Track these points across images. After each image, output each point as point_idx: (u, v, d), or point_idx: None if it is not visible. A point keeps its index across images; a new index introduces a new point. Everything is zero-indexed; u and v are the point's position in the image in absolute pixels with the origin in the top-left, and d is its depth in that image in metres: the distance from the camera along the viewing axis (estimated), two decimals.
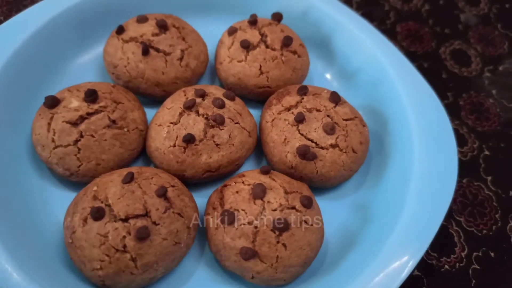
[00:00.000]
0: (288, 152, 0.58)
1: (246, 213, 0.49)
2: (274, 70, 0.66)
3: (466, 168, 0.66)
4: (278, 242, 0.49)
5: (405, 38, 0.79)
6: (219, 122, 0.57)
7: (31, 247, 0.53)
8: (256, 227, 0.49)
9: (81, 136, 0.50)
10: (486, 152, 0.74)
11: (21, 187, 0.60)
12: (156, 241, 0.45)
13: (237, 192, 0.52)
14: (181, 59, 0.62)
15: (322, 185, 0.58)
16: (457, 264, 0.63)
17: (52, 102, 0.51)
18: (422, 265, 0.52)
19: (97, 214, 0.46)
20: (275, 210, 0.50)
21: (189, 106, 0.57)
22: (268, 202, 0.51)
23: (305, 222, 0.52)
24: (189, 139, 0.55)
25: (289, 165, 0.59)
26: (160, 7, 0.73)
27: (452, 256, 0.63)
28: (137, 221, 0.46)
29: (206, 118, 0.57)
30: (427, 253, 0.54)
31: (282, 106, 0.62)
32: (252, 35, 0.66)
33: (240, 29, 0.65)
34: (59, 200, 0.58)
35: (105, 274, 0.44)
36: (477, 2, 0.90)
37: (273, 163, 0.60)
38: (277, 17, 0.67)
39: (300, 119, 0.59)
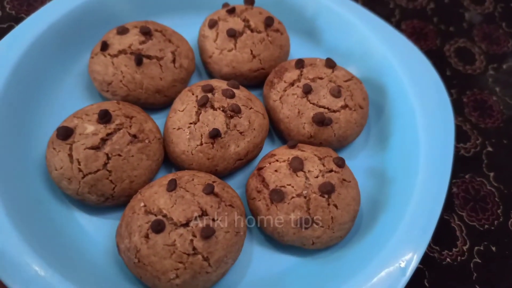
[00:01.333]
0: (304, 123, 0.60)
1: (292, 186, 0.51)
2: (264, 52, 0.66)
3: (469, 164, 0.67)
4: (329, 204, 0.52)
5: (410, 36, 0.76)
6: (237, 111, 0.57)
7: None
8: (305, 196, 0.51)
9: (108, 158, 0.49)
10: (489, 149, 0.74)
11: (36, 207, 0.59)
12: (220, 236, 0.46)
13: (276, 170, 0.53)
14: (174, 61, 0.61)
15: (339, 145, 0.61)
16: (459, 257, 0.63)
17: (66, 133, 0.50)
18: (424, 258, 0.53)
19: (159, 227, 0.46)
20: (317, 177, 0.52)
21: (204, 103, 0.57)
22: (309, 171, 0.53)
23: (344, 180, 0.54)
24: (215, 134, 0.55)
25: (308, 135, 0.61)
26: (130, 15, 0.77)
27: (454, 249, 0.63)
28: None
29: (223, 110, 0.57)
30: (429, 246, 0.56)
31: (285, 82, 0.62)
32: (235, 23, 0.66)
33: (221, 20, 0.65)
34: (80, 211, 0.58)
35: (183, 281, 0.46)
36: (482, 1, 0.89)
37: (291, 137, 0.61)
38: (250, 1, 0.67)
39: (308, 90, 0.61)
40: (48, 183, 0.58)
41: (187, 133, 0.57)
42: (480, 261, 0.63)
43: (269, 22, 0.67)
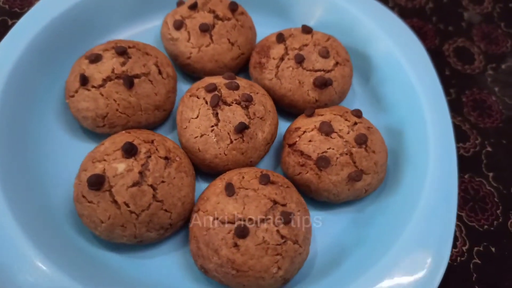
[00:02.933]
0: (308, 90, 0.64)
1: (333, 149, 0.56)
2: (239, 37, 0.68)
3: (468, 163, 0.70)
4: (368, 152, 0.57)
5: None
6: (250, 99, 0.59)
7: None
8: (347, 153, 0.56)
9: (154, 188, 0.49)
10: (488, 149, 0.75)
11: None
12: (296, 216, 0.50)
13: (310, 140, 0.57)
14: (160, 72, 0.62)
15: (339, 102, 0.68)
16: (458, 258, 0.63)
17: (98, 180, 0.48)
18: None
19: (244, 231, 0.48)
20: (348, 132, 0.57)
21: (216, 103, 0.57)
22: (340, 130, 0.57)
23: (369, 127, 0.60)
24: (243, 127, 0.57)
25: (313, 101, 0.66)
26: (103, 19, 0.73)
27: (453, 250, 0.62)
28: (274, 212, 0.49)
29: (238, 103, 0.58)
30: None
31: (274, 59, 0.66)
32: (204, 17, 0.67)
33: (186, 18, 0.66)
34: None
35: (285, 270, 0.49)
36: (481, 1, 0.97)
37: (297, 108, 0.65)
38: None
39: (300, 59, 0.64)
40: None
41: (213, 137, 0.57)
42: (479, 261, 0.63)
43: (233, 7, 0.68)
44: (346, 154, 0.55)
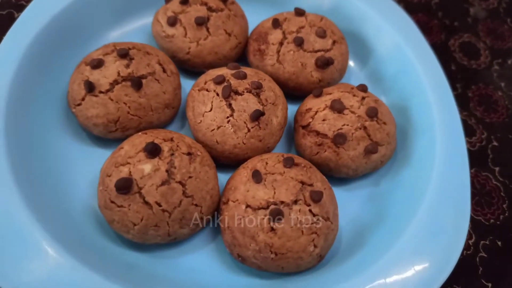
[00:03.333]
0: (311, 71, 0.66)
1: (348, 125, 0.59)
2: (235, 26, 0.69)
3: (474, 158, 0.70)
4: (379, 124, 0.60)
5: None
6: (260, 86, 0.59)
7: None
8: (361, 128, 0.59)
9: (183, 185, 0.51)
10: (494, 143, 0.76)
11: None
12: (325, 194, 0.53)
13: (323, 120, 0.60)
14: (164, 70, 0.62)
15: (340, 79, 0.70)
16: (465, 251, 0.63)
17: (127, 184, 0.49)
18: None
19: (279, 215, 0.49)
20: (359, 107, 0.60)
21: (228, 94, 0.58)
22: (350, 106, 0.60)
23: (376, 100, 0.63)
24: (259, 114, 0.58)
25: (317, 81, 0.67)
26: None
27: None
28: (303, 192, 0.52)
29: (249, 91, 0.59)
30: None
31: (274, 44, 0.67)
32: (197, 10, 0.66)
33: (179, 13, 0.66)
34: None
35: (320, 247, 0.51)
36: None
37: (301, 90, 0.68)
38: None
39: (300, 42, 0.66)
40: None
41: (230, 128, 0.58)
42: (486, 255, 0.63)
43: None
44: (360, 128, 0.59)
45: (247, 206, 0.51)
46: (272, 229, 0.49)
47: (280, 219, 0.49)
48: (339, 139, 0.58)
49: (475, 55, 0.84)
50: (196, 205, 0.51)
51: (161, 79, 0.60)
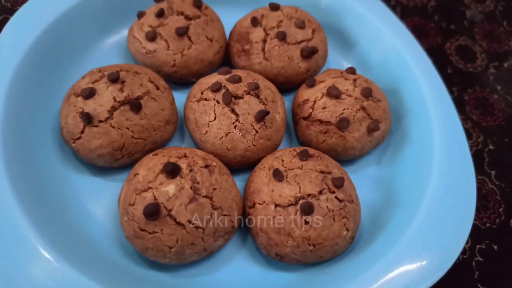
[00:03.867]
0: (298, 63, 0.68)
1: (348, 108, 0.61)
2: (214, 31, 0.69)
3: None
4: (375, 102, 0.63)
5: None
6: (257, 86, 0.59)
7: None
8: (359, 109, 0.61)
9: (210, 198, 0.52)
10: (491, 147, 0.76)
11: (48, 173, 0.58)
12: (345, 179, 0.55)
13: (323, 108, 0.61)
14: (157, 87, 0.61)
15: (323, 66, 0.72)
16: (461, 256, 0.63)
17: (154, 209, 0.48)
18: None
19: (310, 207, 0.51)
20: (353, 90, 0.62)
21: (230, 99, 0.57)
22: (346, 90, 0.62)
23: (366, 80, 0.65)
24: (264, 115, 0.58)
25: (305, 71, 0.69)
26: None
27: None
28: (325, 181, 0.53)
29: (249, 93, 0.59)
30: None
31: (257, 43, 0.68)
32: (176, 21, 0.66)
33: (157, 27, 0.65)
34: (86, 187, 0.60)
35: (352, 229, 0.53)
36: None
37: (291, 83, 0.69)
38: None
39: (283, 36, 0.67)
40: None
41: (238, 132, 0.58)
42: (482, 259, 0.63)
43: (198, 3, 0.69)
44: (360, 109, 0.63)
45: (276, 205, 0.54)
46: (306, 222, 0.53)
47: (311, 211, 0.53)
48: (343, 123, 0.63)
49: (471, 58, 0.85)
50: (225, 215, 0.53)
51: (157, 97, 0.61)
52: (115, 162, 0.58)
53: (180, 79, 0.70)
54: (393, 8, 1.01)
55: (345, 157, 0.66)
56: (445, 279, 0.57)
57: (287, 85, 0.71)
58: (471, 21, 0.97)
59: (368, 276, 0.52)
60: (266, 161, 0.59)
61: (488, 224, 0.67)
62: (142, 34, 0.67)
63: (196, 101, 0.62)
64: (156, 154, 0.55)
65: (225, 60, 0.76)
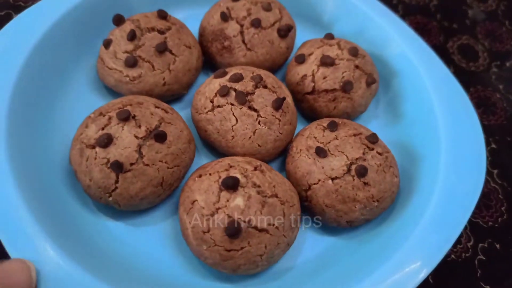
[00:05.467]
0: (278, 44, 0.66)
1: (346, 71, 0.62)
2: (188, 37, 0.65)
3: None
4: (362, 58, 0.64)
5: None
6: (261, 77, 0.58)
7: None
8: (355, 68, 0.63)
9: (276, 195, 0.51)
10: (493, 146, 0.76)
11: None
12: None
13: (324, 78, 0.61)
14: (165, 111, 0.57)
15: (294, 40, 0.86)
16: (463, 254, 0.62)
17: (233, 227, 0.47)
18: None
19: (363, 169, 0.52)
20: (342, 52, 0.63)
21: (243, 99, 0.56)
22: (336, 55, 0.62)
23: (346, 41, 0.67)
24: (281, 102, 0.57)
25: (285, 50, 0.68)
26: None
27: (458, 246, 0.62)
28: (362, 142, 0.55)
29: (256, 87, 0.59)
30: None
31: (235, 36, 0.65)
32: (151, 38, 0.62)
33: (135, 50, 0.61)
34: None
35: (398, 175, 0.56)
36: None
37: (277, 63, 0.68)
38: (118, 21, 0.67)
39: (258, 23, 0.64)
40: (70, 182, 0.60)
41: (263, 126, 0.57)
42: (484, 258, 0.63)
43: (163, 14, 0.66)
44: (355, 68, 0.66)
45: (333, 178, 0.57)
46: (365, 183, 0.57)
47: (366, 172, 0.56)
48: (348, 86, 0.65)
49: (473, 57, 0.86)
50: (291, 206, 0.56)
51: (171, 120, 0.59)
52: (157, 198, 0.56)
53: (172, 96, 0.69)
54: (395, 6, 1.07)
55: (354, 117, 0.71)
56: (448, 277, 0.61)
57: (273, 68, 0.73)
58: (473, 20, 1.01)
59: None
60: (298, 143, 0.61)
61: (490, 223, 0.68)
62: (119, 63, 0.62)
63: (209, 111, 0.61)
64: (201, 176, 0.55)
65: (204, 63, 0.75)
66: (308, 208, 0.59)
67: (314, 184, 0.55)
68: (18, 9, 0.78)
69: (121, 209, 0.53)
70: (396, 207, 0.58)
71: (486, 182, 0.70)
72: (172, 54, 0.63)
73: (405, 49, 0.67)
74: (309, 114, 0.68)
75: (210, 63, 0.72)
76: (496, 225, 0.65)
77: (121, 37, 0.61)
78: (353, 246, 0.56)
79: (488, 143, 0.75)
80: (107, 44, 0.62)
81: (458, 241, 0.61)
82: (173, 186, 0.57)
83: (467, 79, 0.83)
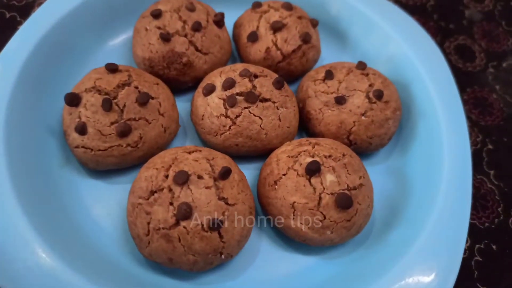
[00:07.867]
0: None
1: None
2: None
3: None
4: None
5: None
6: (248, 71, 0.59)
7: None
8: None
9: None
10: (489, 146, 0.76)
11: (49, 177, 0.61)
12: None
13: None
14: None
15: None
16: None
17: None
18: None
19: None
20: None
21: (254, 96, 0.57)
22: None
23: (300, 17, 0.76)
24: (281, 82, 0.59)
25: (229, 39, 0.73)
26: None
27: None
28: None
29: (251, 80, 0.59)
30: None
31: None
32: (128, 94, 0.59)
33: (121, 118, 0.59)
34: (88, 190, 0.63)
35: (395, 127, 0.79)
36: None
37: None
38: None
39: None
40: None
41: (291, 108, 0.63)
42: (481, 259, 0.62)
43: (112, 67, 0.61)
44: (299, 19, 0.68)
45: (363, 114, 0.61)
46: (386, 102, 0.63)
47: (382, 94, 0.61)
48: (307, 37, 0.67)
49: (470, 58, 0.86)
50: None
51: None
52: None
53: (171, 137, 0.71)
54: None
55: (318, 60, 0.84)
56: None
57: (228, 59, 0.73)
58: (470, 21, 1.02)
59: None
60: (313, 105, 0.63)
61: (487, 224, 0.69)
62: (111, 138, 0.55)
63: (231, 126, 0.58)
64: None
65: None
66: (356, 149, 0.64)
67: (352, 128, 0.62)
68: (12, 9, 0.75)
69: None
70: (399, 215, 0.60)
71: (483, 182, 0.68)
72: (153, 98, 0.59)
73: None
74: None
75: (170, 88, 0.68)
76: (493, 226, 0.64)
77: (94, 113, 0.54)
78: (361, 252, 0.58)
79: (484, 144, 0.73)
80: (82, 129, 0.54)
81: None
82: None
83: (464, 79, 0.81)
